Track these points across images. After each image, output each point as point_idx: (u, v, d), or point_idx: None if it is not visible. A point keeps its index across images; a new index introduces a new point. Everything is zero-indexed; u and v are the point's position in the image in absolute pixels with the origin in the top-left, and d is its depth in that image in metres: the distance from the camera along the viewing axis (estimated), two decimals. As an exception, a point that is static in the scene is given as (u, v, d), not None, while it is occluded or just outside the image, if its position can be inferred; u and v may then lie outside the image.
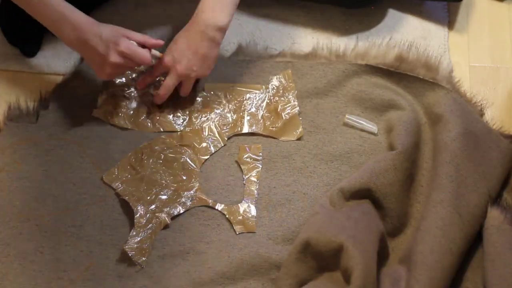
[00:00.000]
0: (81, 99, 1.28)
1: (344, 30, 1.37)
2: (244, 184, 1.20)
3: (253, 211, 1.18)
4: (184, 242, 1.15)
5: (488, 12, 1.43)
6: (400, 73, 1.28)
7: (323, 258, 1.07)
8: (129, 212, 1.17)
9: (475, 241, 1.12)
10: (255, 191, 1.20)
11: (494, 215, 1.12)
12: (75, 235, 1.16)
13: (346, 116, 1.25)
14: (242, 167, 1.22)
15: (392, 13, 1.40)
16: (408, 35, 1.37)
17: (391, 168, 1.15)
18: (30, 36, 1.33)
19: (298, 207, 1.18)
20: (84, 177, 1.20)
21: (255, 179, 1.21)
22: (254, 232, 1.16)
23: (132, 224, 1.16)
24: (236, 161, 1.23)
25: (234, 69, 1.32)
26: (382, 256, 1.10)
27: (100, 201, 1.18)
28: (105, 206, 1.18)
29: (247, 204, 1.18)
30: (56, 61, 1.34)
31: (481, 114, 1.26)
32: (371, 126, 1.24)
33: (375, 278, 1.04)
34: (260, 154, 1.23)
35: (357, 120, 1.24)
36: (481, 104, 1.27)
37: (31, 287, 1.12)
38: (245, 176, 1.21)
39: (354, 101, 1.27)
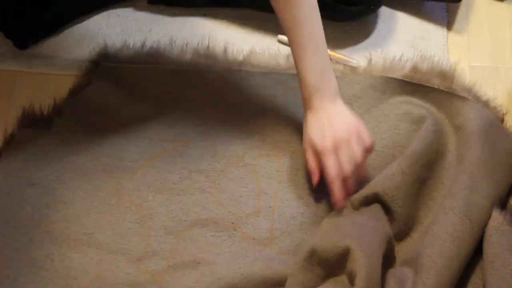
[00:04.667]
0: (95, 105, 1.28)
1: (343, 30, 1.37)
2: (258, 196, 1.20)
3: (266, 223, 1.17)
4: (195, 252, 1.15)
5: (488, 12, 1.42)
6: (415, 84, 1.28)
7: (329, 265, 1.07)
8: (141, 221, 1.17)
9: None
10: (269, 203, 1.19)
11: (494, 215, 1.12)
12: (86, 243, 1.15)
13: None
14: (258, 177, 1.21)
15: (391, 13, 1.40)
16: (407, 35, 1.37)
17: (398, 171, 1.14)
18: (25, 29, 1.32)
19: (311, 221, 1.17)
20: (96, 185, 1.20)
21: (270, 191, 1.20)
22: (266, 245, 1.15)
23: (143, 234, 1.16)
24: (251, 172, 1.22)
25: (248, 81, 1.31)
26: (389, 259, 1.10)
27: (112, 210, 1.18)
28: (116, 214, 1.18)
29: (260, 216, 1.18)
30: (70, 62, 1.34)
31: (501, 119, 1.25)
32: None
33: (380, 280, 1.03)
34: (276, 165, 1.22)
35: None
36: (500, 109, 1.27)
37: (40, 294, 1.12)
38: (261, 187, 1.20)
39: (368, 114, 1.26)
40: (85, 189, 1.20)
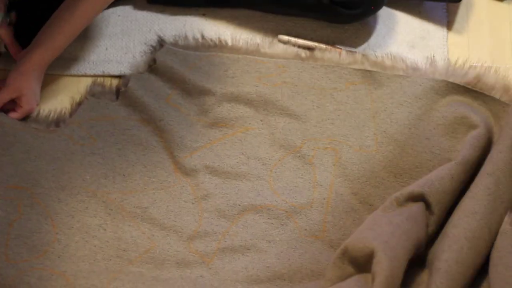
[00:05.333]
0: (160, 82, 1.28)
1: (343, 30, 1.37)
2: (313, 187, 1.20)
3: (319, 215, 1.17)
4: (246, 238, 1.15)
5: (488, 12, 1.41)
6: (477, 92, 1.26)
7: (358, 264, 1.06)
8: (195, 201, 1.18)
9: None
10: (324, 196, 1.19)
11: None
12: (139, 217, 1.17)
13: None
14: (314, 169, 1.21)
15: (391, 13, 1.39)
16: (407, 35, 1.37)
17: (448, 176, 1.12)
18: (24, 30, 1.31)
19: (363, 218, 1.17)
20: (155, 161, 1.21)
21: (325, 184, 1.20)
22: (317, 237, 1.15)
23: (196, 214, 1.17)
24: (307, 163, 1.22)
25: (310, 73, 1.31)
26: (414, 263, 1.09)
27: (168, 187, 1.19)
28: (172, 192, 1.19)
29: (314, 207, 1.18)
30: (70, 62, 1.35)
31: None
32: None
33: (399, 285, 1.03)
34: (333, 158, 1.22)
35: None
36: None
37: (90, 262, 1.13)
38: (316, 179, 1.21)
39: (427, 116, 1.25)
40: (144, 164, 1.21)
